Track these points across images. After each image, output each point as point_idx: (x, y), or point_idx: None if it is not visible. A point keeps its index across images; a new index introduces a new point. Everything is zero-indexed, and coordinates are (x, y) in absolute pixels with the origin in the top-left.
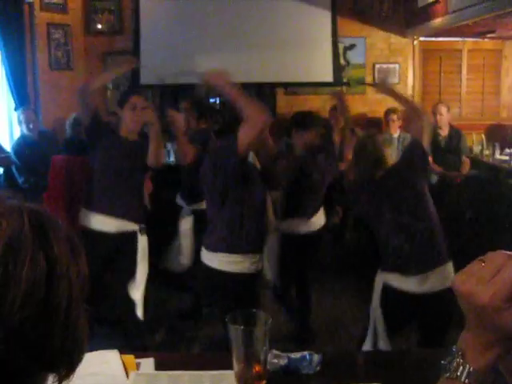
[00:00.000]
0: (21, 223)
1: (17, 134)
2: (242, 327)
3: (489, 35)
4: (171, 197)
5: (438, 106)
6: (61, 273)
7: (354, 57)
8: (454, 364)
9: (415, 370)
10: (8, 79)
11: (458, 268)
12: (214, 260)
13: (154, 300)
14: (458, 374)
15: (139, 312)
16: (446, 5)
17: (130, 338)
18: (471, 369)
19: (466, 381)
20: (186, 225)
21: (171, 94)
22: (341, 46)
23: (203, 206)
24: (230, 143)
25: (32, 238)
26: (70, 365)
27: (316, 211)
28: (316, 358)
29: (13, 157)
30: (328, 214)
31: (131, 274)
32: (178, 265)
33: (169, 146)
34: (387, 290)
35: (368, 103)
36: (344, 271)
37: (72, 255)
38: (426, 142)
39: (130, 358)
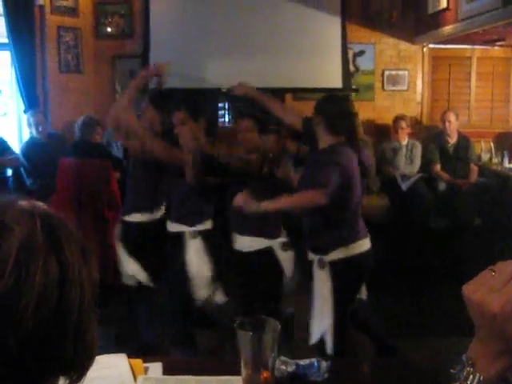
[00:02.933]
0: (33, 228)
1: (26, 136)
2: (251, 333)
3: (498, 43)
4: None
5: (446, 113)
6: (73, 277)
7: (364, 63)
8: (464, 373)
9: (423, 379)
10: (18, 82)
11: (466, 275)
12: None
13: None
14: (468, 382)
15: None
16: (455, 12)
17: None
18: (481, 378)
19: None
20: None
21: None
22: (350, 52)
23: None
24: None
25: (44, 243)
26: (81, 368)
27: None
28: (324, 365)
29: (21, 159)
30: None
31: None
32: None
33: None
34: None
35: (377, 110)
36: None
37: (83, 259)
38: None
39: (137, 362)
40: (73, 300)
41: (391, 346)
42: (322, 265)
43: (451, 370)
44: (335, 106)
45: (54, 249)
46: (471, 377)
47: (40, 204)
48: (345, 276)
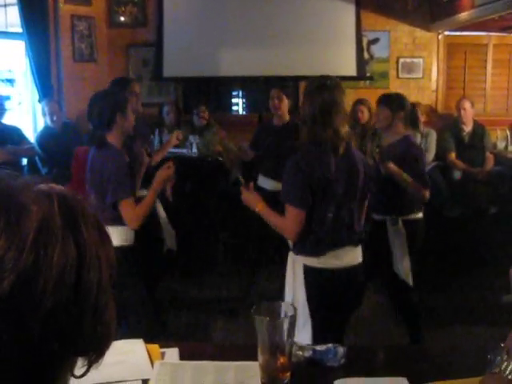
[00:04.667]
0: (51, 208)
1: (40, 126)
2: (268, 318)
3: None
4: (193, 189)
5: (462, 101)
6: (90, 257)
7: (378, 51)
8: (499, 359)
9: (439, 365)
10: (32, 71)
11: (481, 264)
12: None
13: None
14: (502, 368)
15: None
16: None
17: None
18: None
19: (510, 376)
20: None
21: (194, 87)
22: (365, 40)
23: None
24: None
25: (62, 224)
26: (99, 349)
27: None
28: (341, 350)
29: (36, 148)
30: None
31: None
32: None
33: (191, 138)
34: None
35: None
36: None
37: (100, 240)
38: None
39: (154, 348)
40: (91, 280)
41: (422, 336)
42: (393, 222)
43: (488, 356)
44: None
45: (71, 229)
46: (505, 363)
47: (57, 186)
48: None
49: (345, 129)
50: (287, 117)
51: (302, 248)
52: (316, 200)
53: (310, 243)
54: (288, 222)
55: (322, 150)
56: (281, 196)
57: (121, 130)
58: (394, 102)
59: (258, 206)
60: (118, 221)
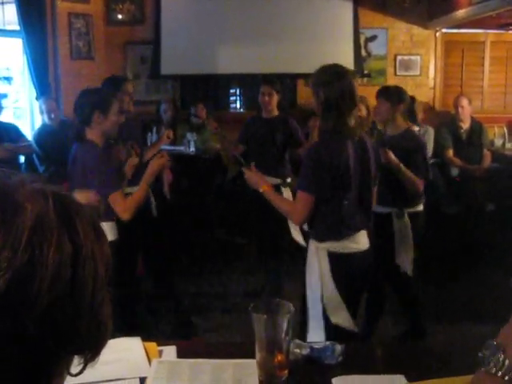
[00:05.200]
0: (45, 206)
1: (38, 123)
2: (265, 316)
3: None
4: (190, 186)
5: (459, 98)
6: (86, 255)
7: (376, 48)
8: (494, 358)
9: (437, 362)
10: (29, 69)
11: (478, 261)
12: None
13: None
14: (497, 368)
15: None
16: None
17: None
18: (510, 364)
19: (506, 377)
20: None
21: (191, 84)
22: (362, 37)
23: None
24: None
25: (57, 221)
26: (95, 347)
27: None
28: (339, 348)
29: (34, 145)
30: None
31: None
32: None
33: (189, 135)
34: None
35: None
36: None
37: (95, 238)
38: None
39: (152, 346)
40: (86, 278)
41: (423, 328)
42: (399, 215)
43: (479, 354)
44: None
45: (66, 227)
46: (501, 363)
47: (51, 185)
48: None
49: (358, 116)
50: (276, 112)
51: (325, 235)
52: (335, 186)
53: (329, 229)
54: (299, 207)
55: (341, 138)
56: (297, 182)
57: (100, 129)
58: (393, 95)
59: (263, 187)
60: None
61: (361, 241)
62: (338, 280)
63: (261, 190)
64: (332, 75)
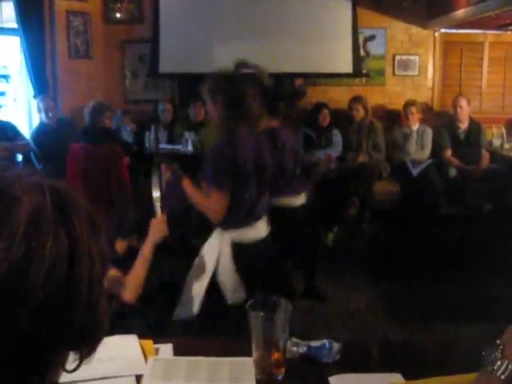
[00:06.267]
0: (42, 200)
1: (36, 122)
2: (262, 313)
3: (511, 28)
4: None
5: (458, 98)
6: (82, 250)
7: (374, 48)
8: (492, 357)
9: (434, 360)
10: (27, 67)
11: (476, 261)
12: None
13: None
14: (495, 367)
15: None
16: None
17: None
18: (509, 365)
19: (502, 376)
20: None
21: (190, 83)
22: (361, 37)
23: None
24: None
25: (53, 215)
26: (91, 343)
27: None
28: (336, 346)
29: (31, 144)
30: (345, 206)
31: None
32: None
33: (187, 135)
34: None
35: (387, 95)
36: (360, 262)
37: (92, 233)
38: None
39: (148, 343)
40: (82, 273)
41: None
42: None
43: (483, 353)
44: None
45: (63, 221)
46: (499, 362)
47: (49, 178)
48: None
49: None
50: None
51: (227, 223)
52: (237, 182)
53: (232, 217)
54: (218, 206)
55: (242, 134)
56: (207, 181)
57: None
58: None
59: (184, 182)
60: None
61: (260, 228)
62: (237, 265)
63: (183, 184)
64: (227, 79)
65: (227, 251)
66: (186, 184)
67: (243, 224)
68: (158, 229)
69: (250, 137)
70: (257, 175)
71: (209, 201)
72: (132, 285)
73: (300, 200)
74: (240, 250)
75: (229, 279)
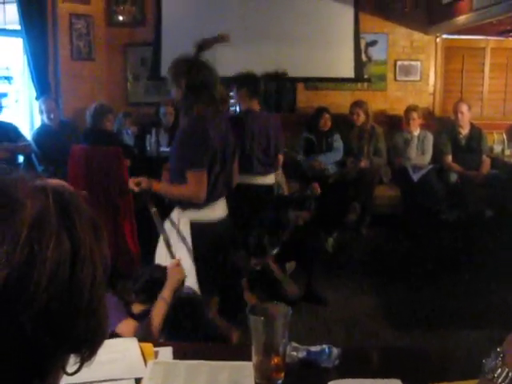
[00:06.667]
0: (45, 203)
1: (37, 123)
2: (263, 318)
3: None
4: None
5: (459, 104)
6: (85, 253)
7: (376, 53)
8: (493, 365)
9: (434, 367)
10: (30, 68)
11: (477, 267)
12: None
13: None
14: (495, 375)
15: None
16: (470, 2)
17: None
18: (510, 373)
19: None
20: None
21: None
22: (363, 42)
23: None
24: None
25: (56, 219)
26: (92, 346)
27: None
28: (335, 351)
29: (33, 145)
30: (346, 211)
31: None
32: None
33: None
34: None
35: (389, 100)
36: (360, 268)
37: (94, 237)
38: None
39: (148, 347)
40: (85, 276)
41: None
42: None
43: (483, 361)
44: None
45: (65, 224)
46: (499, 370)
47: (52, 180)
48: None
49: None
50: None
51: (187, 203)
52: (209, 158)
53: None
54: (198, 187)
55: (206, 119)
56: (184, 165)
57: None
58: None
59: (154, 185)
60: None
61: (219, 209)
62: (195, 246)
63: (154, 189)
64: (183, 71)
65: (187, 233)
66: (156, 187)
67: (203, 204)
68: (175, 272)
69: (215, 118)
70: (219, 154)
71: (186, 187)
72: (152, 326)
73: (268, 180)
74: (198, 230)
75: (184, 257)
